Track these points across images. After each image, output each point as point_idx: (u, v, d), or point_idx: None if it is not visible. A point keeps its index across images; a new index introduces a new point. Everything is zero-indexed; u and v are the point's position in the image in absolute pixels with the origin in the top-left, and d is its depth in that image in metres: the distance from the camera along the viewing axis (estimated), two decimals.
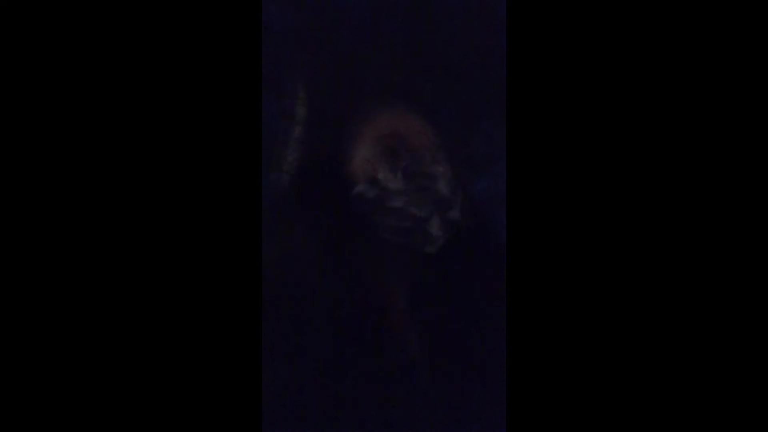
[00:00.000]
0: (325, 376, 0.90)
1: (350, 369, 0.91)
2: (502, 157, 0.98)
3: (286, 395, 0.89)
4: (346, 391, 0.89)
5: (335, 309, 0.95)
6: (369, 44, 1.01)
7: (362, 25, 1.01)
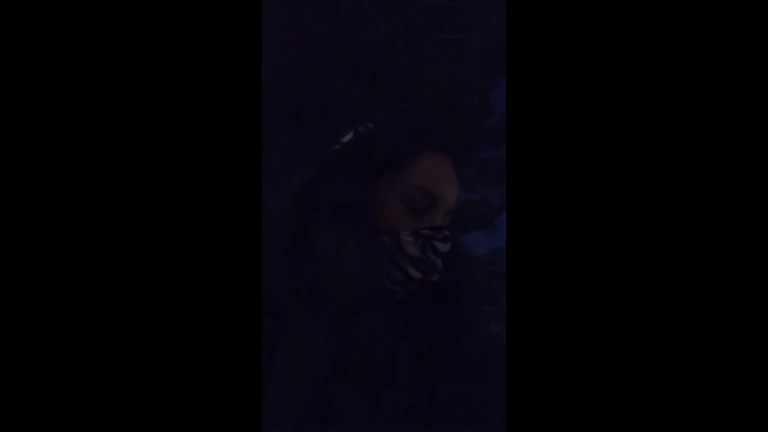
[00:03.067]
0: (325, 377, 0.90)
1: (350, 369, 0.91)
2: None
3: (286, 395, 0.89)
4: (346, 392, 0.89)
5: (337, 308, 0.95)
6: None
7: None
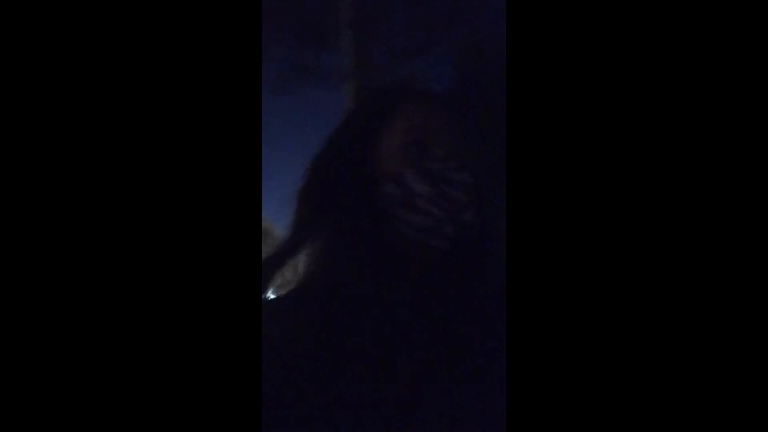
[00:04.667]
0: (325, 377, 0.90)
1: (350, 370, 0.91)
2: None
3: (286, 395, 0.89)
4: (346, 393, 0.89)
5: (335, 310, 0.95)
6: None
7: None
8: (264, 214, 0.91)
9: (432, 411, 0.89)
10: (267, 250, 0.96)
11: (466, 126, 1.00)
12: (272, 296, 1.02)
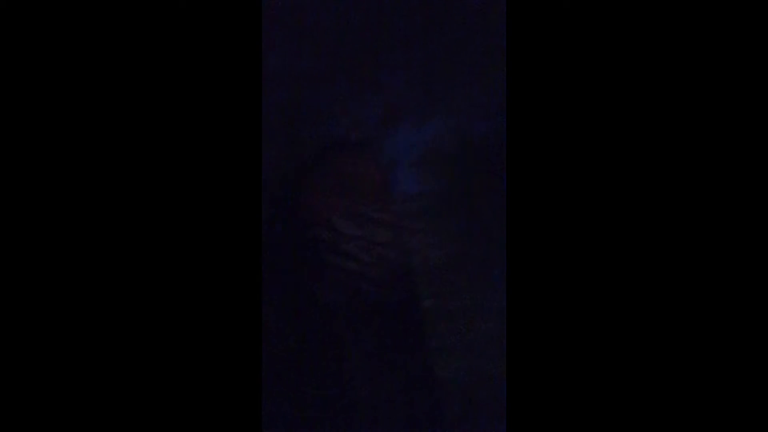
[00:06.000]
0: (325, 377, 0.90)
1: (350, 370, 0.91)
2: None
3: (286, 396, 0.89)
4: (346, 393, 0.89)
5: (333, 313, 0.95)
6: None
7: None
8: None
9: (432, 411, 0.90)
10: None
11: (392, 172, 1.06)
12: None
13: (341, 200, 1.02)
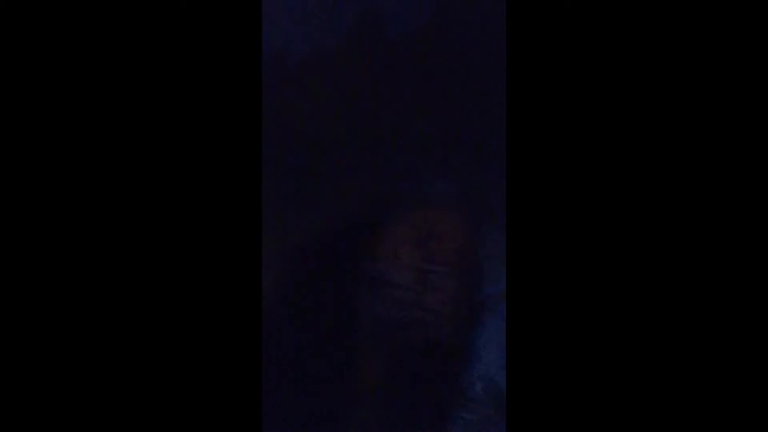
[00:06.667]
0: (325, 378, 0.90)
1: (350, 370, 0.91)
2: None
3: (286, 396, 0.89)
4: (346, 393, 0.89)
5: (332, 316, 0.96)
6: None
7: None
8: None
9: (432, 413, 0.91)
10: None
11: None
12: None
13: (413, 248, 1.05)
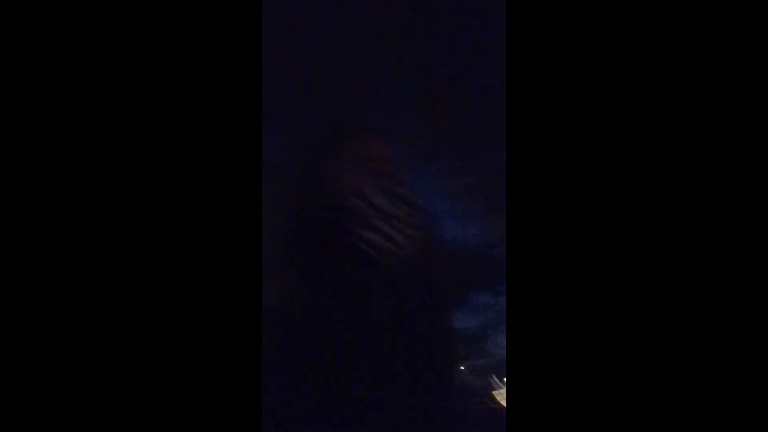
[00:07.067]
0: (325, 378, 0.90)
1: (349, 371, 0.91)
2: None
3: (286, 396, 0.89)
4: (345, 393, 0.89)
5: (331, 314, 0.96)
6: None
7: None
8: None
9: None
10: None
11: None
12: None
13: (367, 177, 1.07)
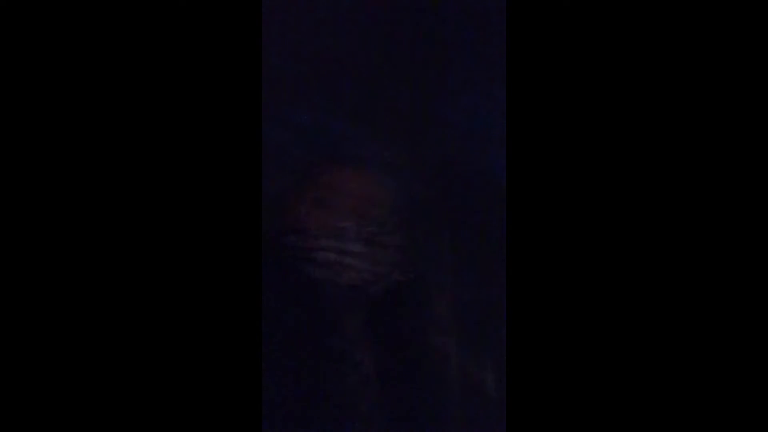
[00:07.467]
0: (326, 378, 0.90)
1: (349, 371, 0.91)
2: None
3: (286, 396, 0.89)
4: (346, 393, 0.89)
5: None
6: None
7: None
8: None
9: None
10: None
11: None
12: None
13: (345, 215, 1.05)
